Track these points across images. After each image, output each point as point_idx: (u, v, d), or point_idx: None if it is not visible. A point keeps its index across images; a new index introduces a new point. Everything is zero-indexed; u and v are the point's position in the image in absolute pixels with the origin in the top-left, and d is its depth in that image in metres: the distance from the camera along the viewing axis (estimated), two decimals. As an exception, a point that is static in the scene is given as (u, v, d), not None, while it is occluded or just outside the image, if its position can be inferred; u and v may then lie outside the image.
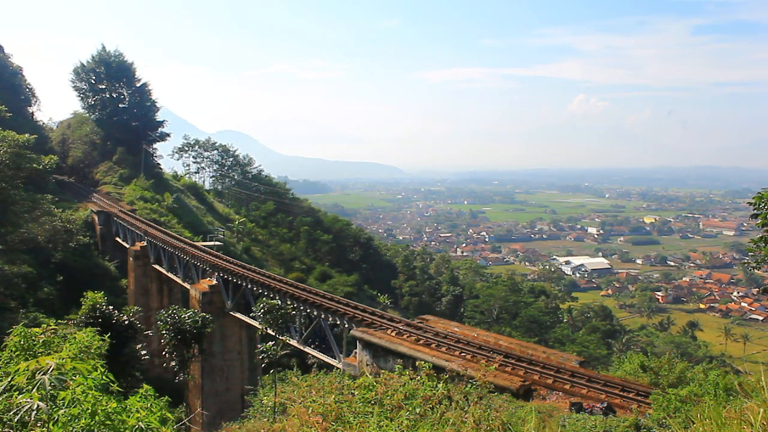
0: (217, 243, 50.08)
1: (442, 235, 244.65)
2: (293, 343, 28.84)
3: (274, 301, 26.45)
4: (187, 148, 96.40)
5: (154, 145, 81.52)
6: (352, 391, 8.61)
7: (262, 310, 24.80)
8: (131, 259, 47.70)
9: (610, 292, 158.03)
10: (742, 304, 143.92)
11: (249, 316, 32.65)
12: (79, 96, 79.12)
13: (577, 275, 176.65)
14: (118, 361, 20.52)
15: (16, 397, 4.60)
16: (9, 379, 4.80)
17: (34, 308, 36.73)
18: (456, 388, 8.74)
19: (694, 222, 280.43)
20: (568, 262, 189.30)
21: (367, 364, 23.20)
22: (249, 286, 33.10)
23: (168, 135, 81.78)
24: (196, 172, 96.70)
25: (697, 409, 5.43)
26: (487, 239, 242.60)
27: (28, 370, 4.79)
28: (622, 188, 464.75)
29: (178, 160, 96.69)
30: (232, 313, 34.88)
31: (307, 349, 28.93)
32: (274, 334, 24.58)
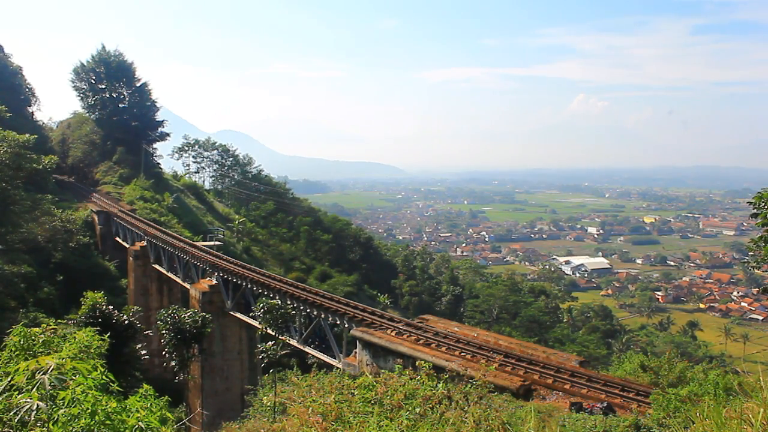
0: (217, 243, 50.07)
1: (442, 235, 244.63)
2: (293, 343, 28.83)
3: (274, 301, 26.48)
4: (187, 148, 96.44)
5: (154, 145, 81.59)
6: (352, 391, 8.61)
7: (262, 310, 24.84)
8: (131, 258, 47.71)
9: (610, 291, 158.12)
10: (742, 303, 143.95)
11: (249, 316, 32.65)
12: (79, 96, 79.19)
13: (577, 275, 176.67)
14: (118, 361, 20.52)
15: (16, 397, 4.60)
16: (9, 379, 4.80)
17: (34, 308, 36.75)
18: (456, 388, 8.73)
19: (694, 222, 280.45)
20: (568, 262, 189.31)
21: (367, 364, 23.20)
22: (249, 286, 33.10)
23: (168, 135, 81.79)
24: (196, 172, 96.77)
25: (697, 409, 5.43)
26: (487, 239, 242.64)
27: (28, 369, 4.79)
28: (622, 188, 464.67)
29: (178, 160, 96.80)
30: (232, 313, 34.88)
31: (307, 349, 28.93)
32: (274, 334, 24.59)
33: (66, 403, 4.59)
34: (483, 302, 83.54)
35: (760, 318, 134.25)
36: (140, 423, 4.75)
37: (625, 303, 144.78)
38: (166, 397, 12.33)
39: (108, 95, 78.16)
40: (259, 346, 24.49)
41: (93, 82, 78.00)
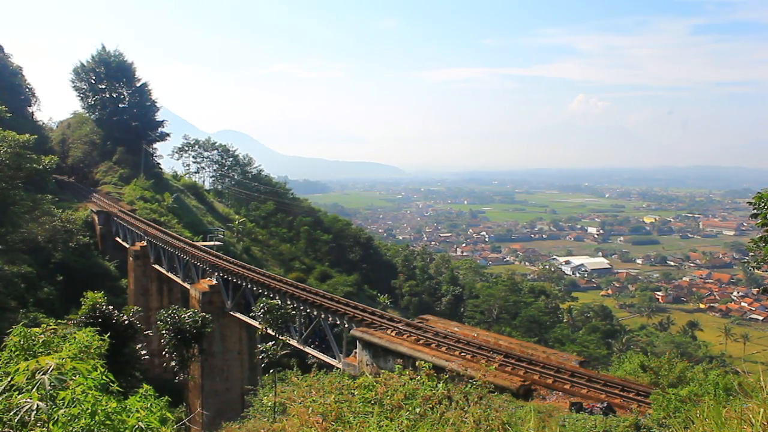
0: (217, 243, 50.08)
1: (442, 235, 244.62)
2: (293, 343, 28.83)
3: (274, 301, 26.47)
4: (187, 148, 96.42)
5: (154, 145, 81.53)
6: (352, 391, 8.61)
7: (262, 310, 24.81)
8: (131, 259, 47.70)
9: (610, 292, 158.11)
10: (742, 304, 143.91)
11: (249, 316, 32.65)
12: (79, 96, 79.18)
13: (577, 275, 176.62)
14: (118, 361, 20.49)
15: (16, 397, 4.60)
16: (9, 379, 4.79)
17: (34, 308, 36.74)
18: (456, 388, 8.73)
19: (694, 222, 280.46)
20: (568, 262, 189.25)
21: (367, 364, 23.20)
22: (249, 286, 33.11)
23: (168, 135, 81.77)
24: (196, 172, 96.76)
25: (697, 409, 5.43)
26: (487, 239, 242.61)
27: (28, 370, 4.79)
28: (622, 188, 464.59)
29: (178, 160, 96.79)
30: (232, 313, 34.88)
31: (307, 349, 28.93)
32: (274, 334, 24.58)
33: (66, 403, 4.58)
34: (483, 302, 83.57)
35: (760, 318, 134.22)
36: (140, 423, 4.75)
37: (625, 303, 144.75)
38: (166, 397, 12.34)
39: (108, 95, 78.17)
40: (259, 346, 24.47)
41: (93, 82, 78.00)
